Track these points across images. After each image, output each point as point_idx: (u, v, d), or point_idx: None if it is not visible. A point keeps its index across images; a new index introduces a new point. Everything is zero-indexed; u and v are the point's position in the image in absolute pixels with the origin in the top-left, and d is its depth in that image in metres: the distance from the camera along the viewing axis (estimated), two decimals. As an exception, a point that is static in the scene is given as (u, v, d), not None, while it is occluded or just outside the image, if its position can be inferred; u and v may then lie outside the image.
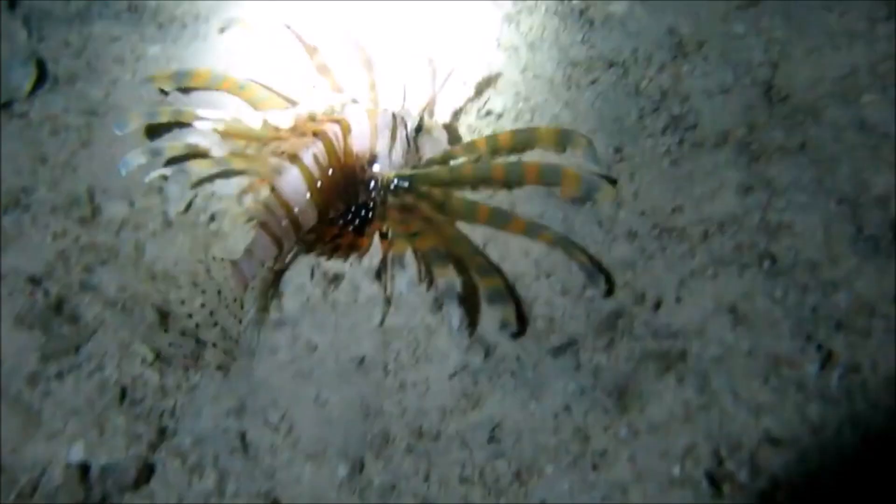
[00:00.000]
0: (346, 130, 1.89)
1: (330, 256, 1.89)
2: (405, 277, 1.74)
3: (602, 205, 1.87)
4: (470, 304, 1.72)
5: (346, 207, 1.91)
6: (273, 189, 1.81)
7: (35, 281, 1.86)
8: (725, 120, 1.97)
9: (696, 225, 1.74)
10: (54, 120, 2.13)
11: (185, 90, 2.18)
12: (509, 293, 1.71)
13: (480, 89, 2.16)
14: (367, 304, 1.79)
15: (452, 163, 1.97)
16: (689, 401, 1.53)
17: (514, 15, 2.29)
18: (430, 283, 1.76)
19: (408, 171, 1.95)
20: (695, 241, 1.72)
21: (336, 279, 1.86)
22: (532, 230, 1.76)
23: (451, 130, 2.11)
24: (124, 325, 1.80)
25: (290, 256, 1.90)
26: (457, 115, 2.15)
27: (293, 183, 1.81)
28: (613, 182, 1.85)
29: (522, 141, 1.93)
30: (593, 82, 2.14)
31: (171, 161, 1.93)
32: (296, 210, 1.82)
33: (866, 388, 1.50)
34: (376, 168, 1.94)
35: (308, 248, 1.90)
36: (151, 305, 1.84)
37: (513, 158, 1.97)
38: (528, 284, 1.77)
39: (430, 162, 2.00)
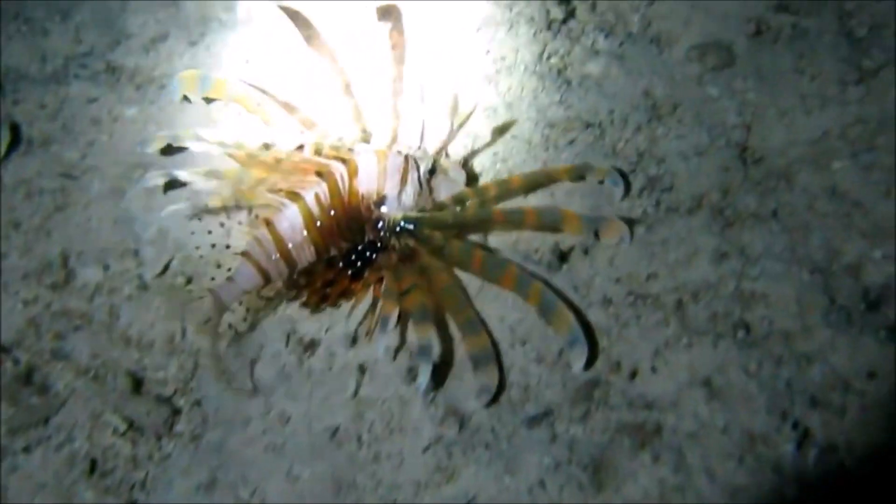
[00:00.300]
0: (353, 172, 1.88)
1: (316, 307, 1.87)
2: (383, 342, 1.72)
3: (579, 269, 1.87)
4: (442, 368, 1.71)
5: (350, 245, 1.91)
6: (268, 223, 1.81)
7: (4, 350, 1.82)
8: (701, 182, 1.97)
9: (670, 293, 1.73)
10: (28, 184, 2.10)
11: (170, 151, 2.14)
12: (494, 354, 1.69)
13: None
14: (342, 373, 1.76)
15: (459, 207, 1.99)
16: (664, 479, 1.50)
17: (493, 75, 2.32)
18: (404, 347, 1.76)
19: (414, 214, 1.92)
20: (669, 310, 1.71)
21: (312, 345, 1.82)
22: (522, 286, 1.71)
23: (468, 170, 2.11)
24: (96, 393, 1.76)
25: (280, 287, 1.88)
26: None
27: (291, 219, 1.82)
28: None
29: (536, 182, 1.93)
30: (571, 143, 2.14)
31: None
32: (289, 246, 1.82)
33: (844, 469, 1.46)
34: (384, 209, 1.93)
35: (296, 293, 1.88)
36: (125, 372, 1.82)
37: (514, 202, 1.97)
38: (504, 351, 1.74)
39: (440, 205, 1.99)
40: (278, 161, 1.82)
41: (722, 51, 2.24)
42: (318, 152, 1.87)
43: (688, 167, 2.02)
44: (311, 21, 2.01)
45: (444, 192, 2.02)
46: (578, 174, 1.92)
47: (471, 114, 2.10)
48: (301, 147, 1.88)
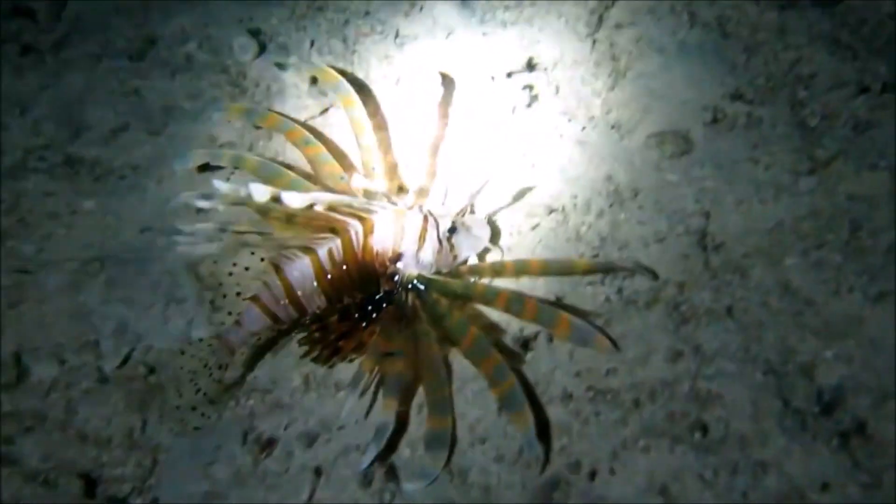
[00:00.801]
0: (369, 230, 1.88)
1: (327, 361, 1.85)
2: (348, 404, 1.70)
3: (540, 360, 1.84)
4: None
5: (365, 297, 1.90)
6: (278, 269, 1.83)
7: (-54, 458, 1.73)
8: (660, 270, 1.97)
9: (629, 390, 1.68)
10: (-19, 281, 2.03)
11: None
12: (449, 442, 1.66)
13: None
14: (297, 476, 1.69)
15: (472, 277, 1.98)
16: None
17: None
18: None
19: (427, 276, 1.91)
20: (627, 408, 1.65)
21: (269, 444, 1.76)
22: (497, 376, 1.68)
23: (494, 227, 2.10)
24: (44, 500, 1.69)
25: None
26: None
27: (302, 270, 1.84)
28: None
29: (554, 270, 1.93)
30: (534, 228, 2.12)
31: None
32: (299, 293, 1.84)
33: None
34: (400, 265, 1.93)
35: (309, 346, 1.86)
36: (77, 474, 1.74)
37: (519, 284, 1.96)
38: (464, 451, 1.68)
39: (456, 272, 1.98)
40: (291, 217, 1.80)
41: (680, 138, 2.23)
42: (332, 209, 1.82)
43: (648, 254, 1.98)
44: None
45: (466, 249, 2.01)
46: (600, 270, 1.91)
47: (487, 182, 2.10)
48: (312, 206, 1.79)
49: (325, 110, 2.46)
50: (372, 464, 1.67)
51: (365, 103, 2.23)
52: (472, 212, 2.13)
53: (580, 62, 2.61)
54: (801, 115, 2.20)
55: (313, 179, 2.16)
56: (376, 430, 1.68)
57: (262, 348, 1.96)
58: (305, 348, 1.88)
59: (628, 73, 2.50)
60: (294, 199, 1.63)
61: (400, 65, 2.59)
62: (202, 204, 1.74)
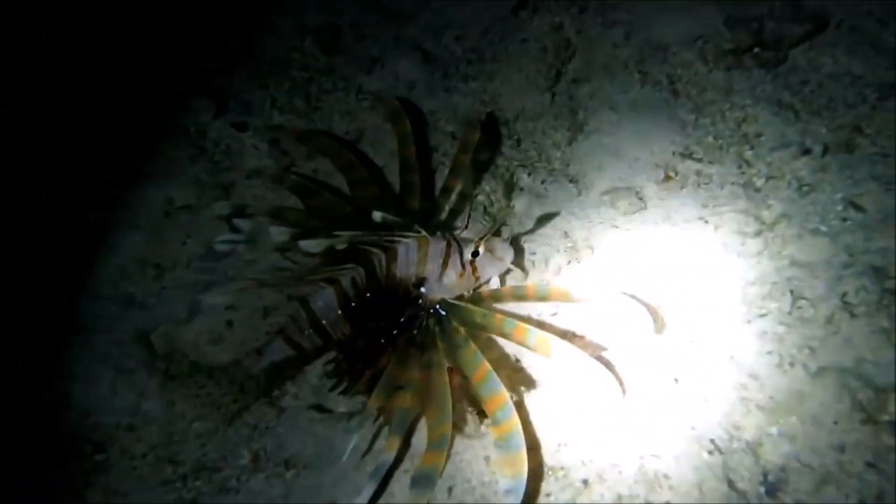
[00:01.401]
0: (392, 258, 1.89)
1: (349, 390, 1.82)
2: (353, 440, 1.69)
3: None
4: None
5: (390, 321, 1.88)
6: (303, 301, 1.85)
7: None
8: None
9: (579, 468, 1.62)
10: None
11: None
12: (437, 482, 1.61)
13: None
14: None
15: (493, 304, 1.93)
16: None
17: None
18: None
19: (449, 302, 1.90)
20: (577, 489, 1.59)
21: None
22: (502, 415, 1.61)
23: (518, 248, 2.07)
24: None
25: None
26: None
27: (326, 300, 1.86)
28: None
29: (577, 298, 1.81)
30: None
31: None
32: (323, 322, 1.87)
33: None
34: (424, 290, 1.92)
35: (337, 377, 1.85)
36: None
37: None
38: None
39: (475, 299, 1.95)
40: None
41: (633, 195, 2.22)
42: (353, 242, 1.80)
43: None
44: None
45: (488, 271, 1.99)
46: (608, 303, 1.80)
47: (510, 205, 2.17)
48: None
49: (287, 168, 2.41)
50: (366, 499, 1.60)
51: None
52: (497, 233, 2.09)
53: (541, 114, 2.59)
54: (748, 174, 2.19)
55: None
56: (375, 468, 1.62)
57: (284, 372, 1.95)
58: (333, 380, 1.88)
59: (585, 128, 2.48)
60: (312, 245, 1.66)
61: (362, 121, 2.55)
62: (221, 248, 1.79)
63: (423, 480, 1.59)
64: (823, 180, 2.07)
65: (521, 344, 1.77)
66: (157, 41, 2.48)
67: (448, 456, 1.66)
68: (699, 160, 2.25)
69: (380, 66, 2.63)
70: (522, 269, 2.08)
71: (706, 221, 2.10)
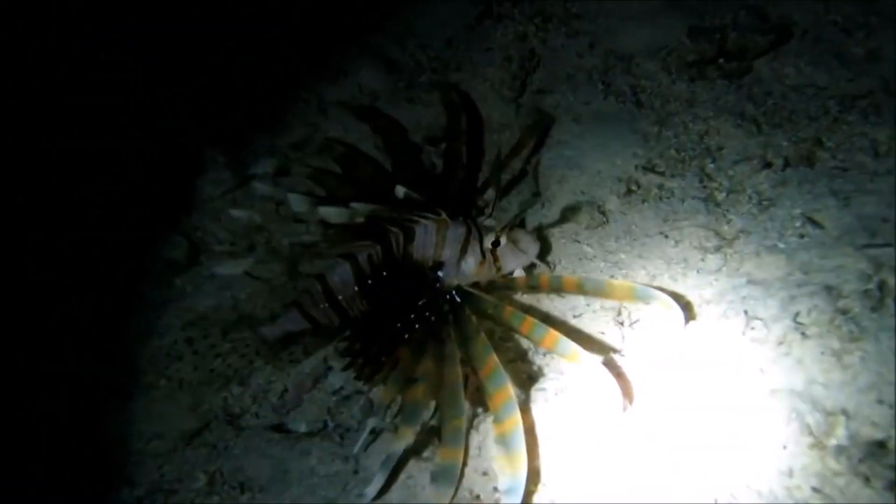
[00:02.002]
0: (409, 239, 1.89)
1: (369, 380, 1.82)
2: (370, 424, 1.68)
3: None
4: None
5: (407, 302, 1.87)
6: (319, 277, 1.87)
7: None
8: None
9: None
10: None
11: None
12: (458, 477, 1.56)
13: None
14: None
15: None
16: None
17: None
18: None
19: (466, 289, 1.89)
20: None
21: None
22: (504, 410, 1.57)
23: (544, 242, 2.05)
24: None
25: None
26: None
27: (342, 275, 1.88)
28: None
29: (590, 291, 1.82)
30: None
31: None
32: (339, 298, 1.88)
33: None
34: (440, 274, 1.92)
35: (352, 358, 1.86)
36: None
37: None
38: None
39: (490, 287, 1.92)
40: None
41: (595, 209, 2.21)
42: (373, 215, 1.79)
43: (568, 330, 2.01)
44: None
45: (511, 263, 1.96)
46: (639, 298, 1.77)
47: (536, 196, 2.14)
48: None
49: (241, 184, 2.38)
50: (378, 496, 1.58)
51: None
52: (522, 225, 2.08)
53: (506, 126, 2.59)
54: (710, 188, 2.19)
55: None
56: (385, 458, 1.61)
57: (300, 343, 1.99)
58: (347, 360, 1.88)
59: (548, 140, 2.48)
60: (332, 214, 1.67)
61: (324, 131, 2.53)
62: (237, 214, 1.83)
63: (443, 477, 1.53)
64: (783, 195, 2.08)
65: (528, 338, 1.78)
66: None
67: (467, 451, 1.61)
68: (661, 173, 2.25)
69: (343, 75, 2.60)
70: (547, 264, 2.06)
71: (666, 236, 2.10)
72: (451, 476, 1.53)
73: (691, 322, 1.75)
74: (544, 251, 2.06)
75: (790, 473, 1.48)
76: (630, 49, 2.52)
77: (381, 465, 1.61)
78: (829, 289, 1.77)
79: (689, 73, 2.41)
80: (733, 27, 2.42)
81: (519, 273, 1.99)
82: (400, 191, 1.75)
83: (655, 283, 2.00)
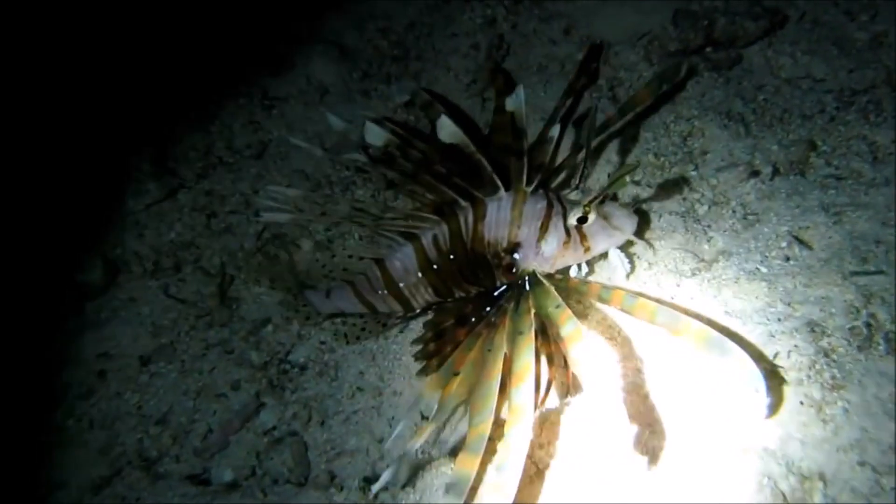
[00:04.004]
0: (480, 215, 1.68)
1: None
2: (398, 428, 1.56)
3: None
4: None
5: (480, 291, 1.73)
6: (379, 262, 1.72)
7: None
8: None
9: None
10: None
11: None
12: (469, 486, 1.35)
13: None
14: None
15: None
16: None
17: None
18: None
19: (537, 278, 1.65)
20: None
21: None
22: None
23: (642, 216, 1.81)
24: None
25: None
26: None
27: (403, 260, 1.73)
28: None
29: (662, 323, 1.48)
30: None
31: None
32: (401, 285, 1.73)
33: None
34: (517, 256, 1.69)
35: (426, 361, 1.74)
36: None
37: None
38: None
39: (560, 283, 1.66)
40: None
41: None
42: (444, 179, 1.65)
43: None
44: None
45: (602, 241, 1.70)
46: (711, 348, 1.39)
47: (633, 167, 1.90)
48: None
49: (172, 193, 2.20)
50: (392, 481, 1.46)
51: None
52: (614, 198, 1.82)
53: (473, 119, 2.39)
54: (690, 200, 2.01)
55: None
56: (400, 454, 1.50)
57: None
58: (422, 363, 1.75)
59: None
60: (376, 134, 1.59)
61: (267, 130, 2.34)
62: (297, 142, 1.77)
63: (453, 489, 1.34)
64: (770, 209, 1.90)
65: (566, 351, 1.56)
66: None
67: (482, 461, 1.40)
68: (636, 183, 2.06)
69: (289, 66, 2.39)
70: (648, 242, 1.81)
71: (638, 257, 1.92)
72: (459, 491, 1.33)
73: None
74: (642, 226, 1.79)
75: (758, 549, 1.35)
76: (608, 36, 2.31)
77: (395, 459, 1.51)
78: (812, 325, 1.62)
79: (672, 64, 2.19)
80: (722, 12, 2.20)
81: (614, 255, 1.74)
82: (446, 129, 1.59)
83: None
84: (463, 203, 1.68)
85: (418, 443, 1.49)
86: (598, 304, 1.73)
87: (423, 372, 1.76)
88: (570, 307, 1.51)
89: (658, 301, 1.52)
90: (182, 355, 1.98)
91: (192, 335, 1.96)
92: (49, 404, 1.89)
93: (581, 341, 1.43)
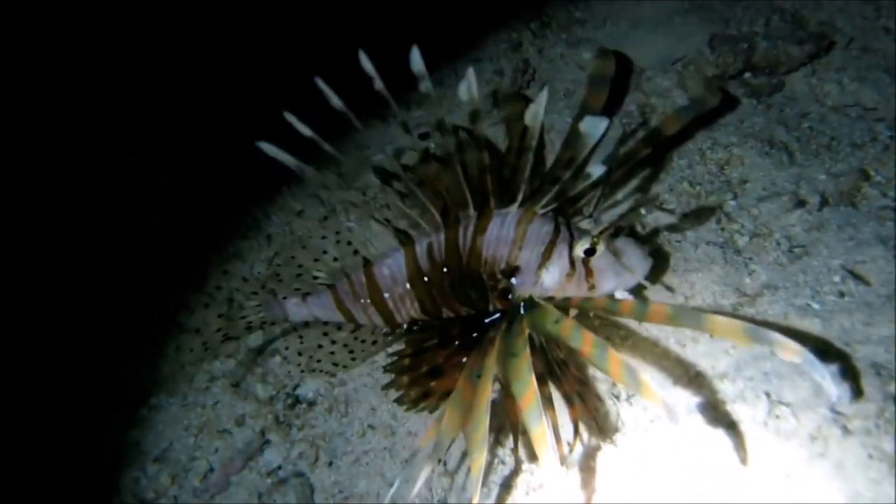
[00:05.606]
0: (481, 228, 1.53)
1: (414, 405, 1.54)
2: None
3: None
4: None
5: (470, 314, 1.59)
6: (367, 265, 1.59)
7: None
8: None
9: None
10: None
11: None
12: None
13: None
14: None
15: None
16: None
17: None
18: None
19: (536, 302, 1.51)
20: None
21: None
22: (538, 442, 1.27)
23: (659, 257, 1.65)
24: None
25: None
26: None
27: (392, 269, 1.59)
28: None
29: (684, 323, 1.37)
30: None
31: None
32: (385, 295, 1.57)
33: None
34: (515, 281, 1.53)
35: (396, 375, 1.59)
36: None
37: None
38: None
39: (564, 306, 1.52)
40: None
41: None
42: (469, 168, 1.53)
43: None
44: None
45: (610, 280, 1.54)
46: (751, 340, 1.26)
47: (653, 199, 1.75)
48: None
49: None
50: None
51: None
52: (633, 233, 1.69)
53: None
54: (729, 231, 1.87)
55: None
56: (419, 455, 1.35)
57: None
58: (391, 377, 1.61)
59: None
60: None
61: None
62: (331, 100, 1.50)
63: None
64: (819, 241, 1.76)
65: (588, 361, 1.50)
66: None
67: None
68: (671, 211, 1.93)
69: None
70: (668, 288, 1.66)
71: (673, 290, 1.78)
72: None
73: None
74: (658, 270, 1.65)
75: None
76: (640, 60, 2.22)
77: (406, 467, 1.40)
78: (877, 367, 1.45)
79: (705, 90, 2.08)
80: (764, 35, 2.09)
81: (623, 295, 1.58)
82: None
83: (659, 348, 1.69)
84: (471, 211, 1.56)
85: (415, 489, 1.32)
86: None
87: (390, 386, 1.62)
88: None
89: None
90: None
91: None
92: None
93: (600, 349, 1.30)
